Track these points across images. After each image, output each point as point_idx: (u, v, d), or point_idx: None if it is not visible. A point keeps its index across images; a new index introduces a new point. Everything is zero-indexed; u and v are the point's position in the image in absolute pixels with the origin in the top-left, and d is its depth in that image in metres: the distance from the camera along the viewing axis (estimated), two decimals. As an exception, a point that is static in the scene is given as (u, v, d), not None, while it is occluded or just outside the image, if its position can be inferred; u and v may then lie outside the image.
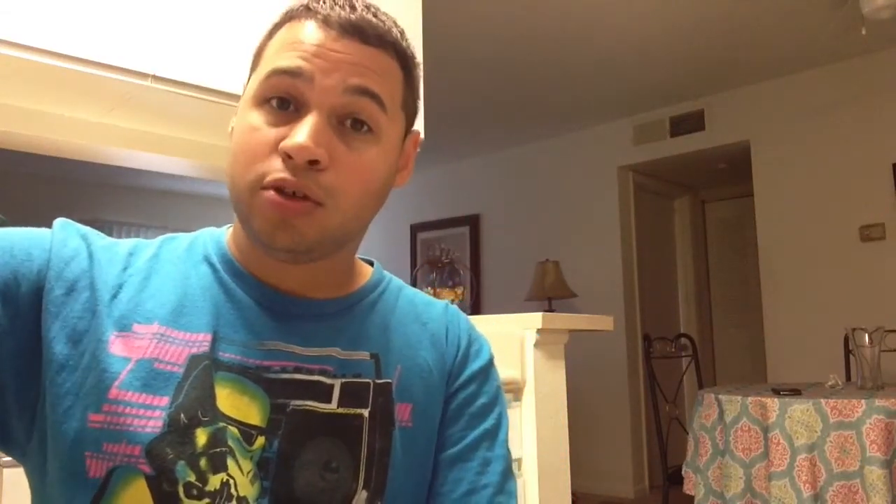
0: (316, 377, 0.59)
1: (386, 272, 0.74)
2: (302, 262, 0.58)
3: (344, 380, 0.60)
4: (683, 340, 3.32)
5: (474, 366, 0.70)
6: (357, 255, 0.71)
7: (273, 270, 0.61)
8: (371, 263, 0.74)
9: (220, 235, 0.66)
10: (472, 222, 5.49)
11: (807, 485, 1.97)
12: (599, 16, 3.23)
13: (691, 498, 2.38)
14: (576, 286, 4.58)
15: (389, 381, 0.63)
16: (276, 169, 0.54)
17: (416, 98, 0.65)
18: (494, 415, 0.69)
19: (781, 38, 3.49)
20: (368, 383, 0.61)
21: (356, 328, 0.64)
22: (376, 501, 0.58)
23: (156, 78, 1.49)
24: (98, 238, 0.61)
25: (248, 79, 0.62)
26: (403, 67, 0.61)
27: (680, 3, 3.13)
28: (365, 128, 0.57)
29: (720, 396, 2.28)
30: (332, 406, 0.59)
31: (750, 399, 2.16)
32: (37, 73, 1.39)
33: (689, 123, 4.34)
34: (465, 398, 0.68)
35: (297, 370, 0.59)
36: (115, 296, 0.57)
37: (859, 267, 3.65)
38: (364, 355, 0.63)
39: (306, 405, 0.58)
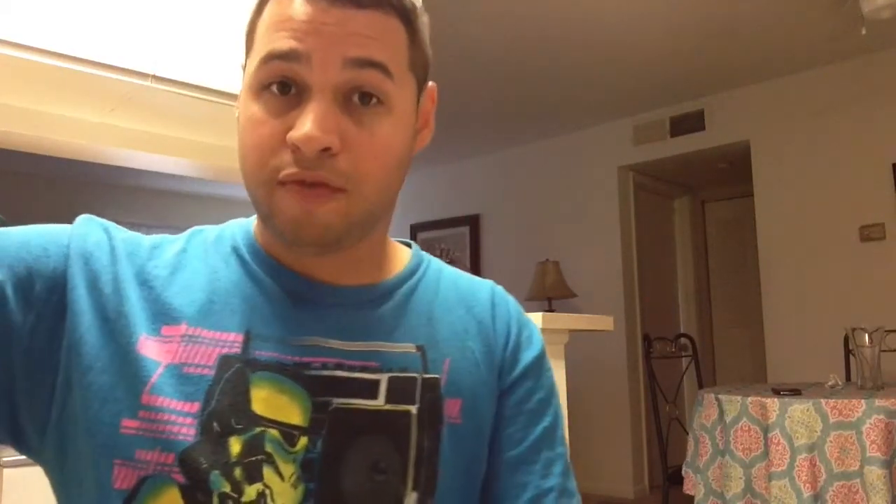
0: (358, 374, 0.56)
1: (424, 253, 0.69)
2: (331, 252, 0.55)
3: (391, 374, 0.57)
4: (683, 340, 3.32)
5: (528, 357, 0.65)
6: (395, 239, 0.68)
7: (304, 259, 0.58)
8: (409, 245, 0.70)
9: (248, 225, 0.63)
10: (472, 222, 5.49)
11: (807, 485, 1.97)
12: (599, 16, 3.23)
13: (691, 498, 2.38)
14: (576, 286, 4.58)
15: (438, 376, 0.59)
16: (287, 163, 0.51)
17: (424, 52, 0.59)
18: (552, 409, 0.65)
19: (781, 38, 3.49)
20: (415, 378, 0.58)
21: (398, 317, 0.61)
22: (427, 502, 0.55)
23: (156, 78, 1.49)
24: (120, 231, 0.59)
25: (245, 61, 0.58)
26: (406, 23, 0.55)
27: (680, 3, 3.13)
28: (374, 100, 0.53)
29: (720, 396, 2.28)
30: (380, 402, 0.55)
31: (750, 399, 2.16)
32: (37, 73, 1.39)
33: (689, 123, 4.34)
34: (523, 395, 0.64)
35: (339, 366, 0.55)
36: (140, 294, 0.54)
37: (859, 267, 3.65)
38: (409, 347, 0.59)
39: (350, 403, 0.55)
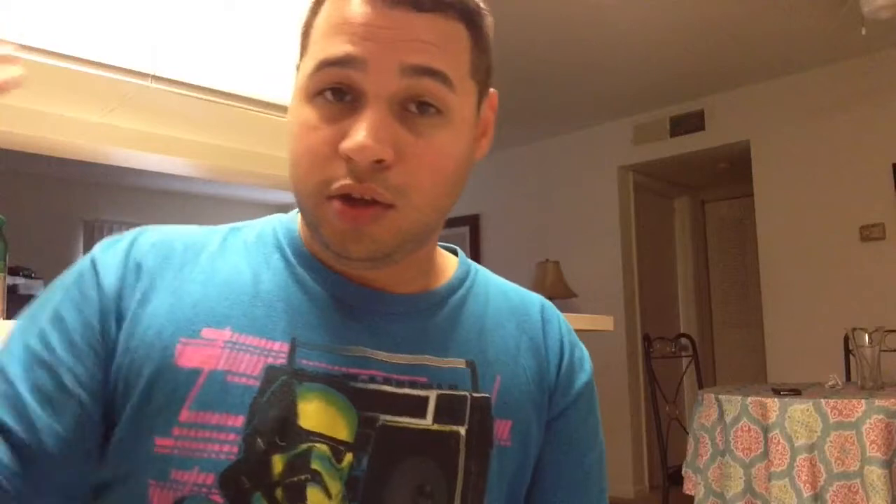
0: (406, 389, 0.53)
1: (470, 260, 0.66)
2: (381, 267, 0.53)
3: (440, 391, 0.54)
4: (683, 340, 3.32)
5: (581, 379, 0.63)
6: (438, 244, 0.65)
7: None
8: (454, 252, 0.67)
9: (292, 223, 0.60)
10: (472, 222, 5.49)
11: (807, 485, 1.97)
12: (599, 16, 3.23)
13: (691, 498, 2.38)
14: (576, 286, 4.58)
15: (488, 395, 0.56)
16: (340, 175, 0.48)
17: (487, 57, 0.56)
18: (600, 435, 0.64)
19: (781, 38, 3.49)
20: (465, 396, 0.55)
21: (448, 329, 0.58)
22: None
23: (156, 78, 1.49)
24: (148, 236, 0.56)
25: (299, 59, 0.55)
26: (469, 27, 0.52)
27: (680, 4, 3.13)
28: (432, 109, 0.50)
29: (720, 396, 2.28)
30: (427, 422, 0.53)
31: (750, 399, 2.16)
32: (37, 73, 1.39)
33: (689, 123, 4.34)
34: (576, 421, 0.62)
35: (387, 381, 0.53)
36: (176, 301, 0.52)
37: (859, 267, 3.64)
38: (459, 363, 0.56)
39: (398, 421, 0.52)
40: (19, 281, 4.09)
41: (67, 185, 5.82)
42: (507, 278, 0.69)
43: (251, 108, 1.61)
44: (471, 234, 5.49)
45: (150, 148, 1.79)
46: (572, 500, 0.60)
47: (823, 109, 3.83)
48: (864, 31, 3.01)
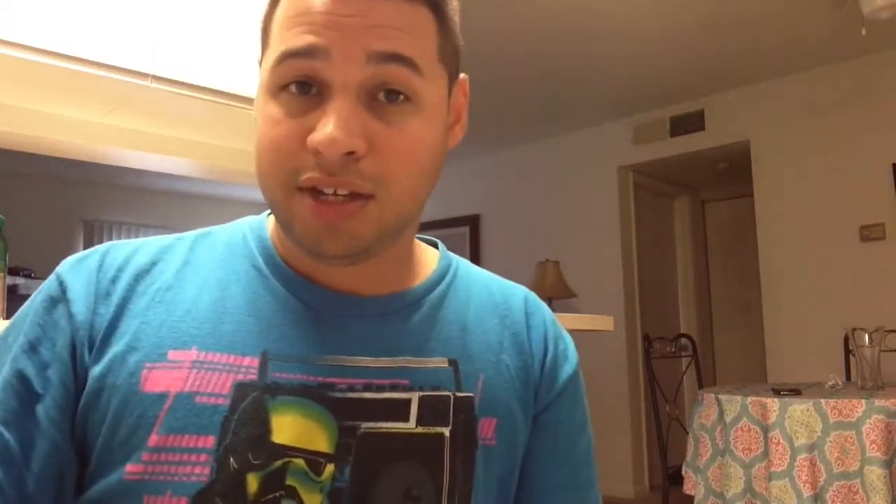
0: (387, 394, 0.52)
1: (451, 254, 0.65)
2: (358, 262, 0.51)
3: (422, 393, 0.53)
4: (683, 340, 3.32)
5: (566, 373, 0.61)
6: (418, 237, 0.63)
7: (325, 267, 0.54)
8: (434, 245, 0.65)
9: (262, 228, 0.58)
10: (472, 222, 5.49)
11: (807, 485, 1.97)
12: (599, 16, 3.23)
13: (691, 498, 2.38)
14: (576, 286, 4.58)
15: (471, 394, 0.55)
16: (308, 166, 0.47)
17: (455, 41, 0.55)
18: (588, 429, 0.63)
19: (781, 38, 3.49)
20: (448, 396, 0.54)
21: (428, 328, 0.56)
22: None
23: (156, 78, 1.49)
24: (113, 259, 0.54)
25: (261, 56, 0.53)
26: (434, 10, 0.51)
27: (680, 3, 3.13)
28: (401, 97, 0.49)
29: (720, 396, 2.28)
30: (410, 425, 0.52)
31: (750, 399, 2.16)
32: (37, 73, 1.39)
33: (689, 123, 4.34)
34: (562, 415, 0.60)
35: (367, 388, 0.51)
36: (142, 325, 0.51)
37: (859, 267, 3.64)
38: (441, 362, 0.55)
39: (380, 427, 0.51)
40: (19, 281, 4.10)
41: (67, 185, 5.82)
42: (507, 278, 0.68)
43: (251, 108, 1.61)
44: (471, 234, 5.49)
45: (150, 148, 1.80)
46: (562, 494, 0.59)
47: (823, 109, 3.83)
48: (864, 31, 3.01)
